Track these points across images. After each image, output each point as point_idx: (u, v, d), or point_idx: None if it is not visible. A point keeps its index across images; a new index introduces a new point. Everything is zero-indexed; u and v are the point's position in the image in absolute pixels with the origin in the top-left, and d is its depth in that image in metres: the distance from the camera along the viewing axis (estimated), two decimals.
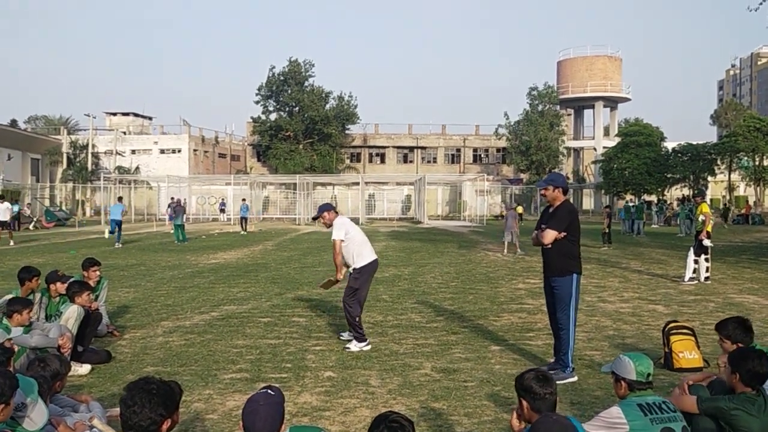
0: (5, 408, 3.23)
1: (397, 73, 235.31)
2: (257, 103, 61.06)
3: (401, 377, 6.14)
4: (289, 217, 47.63)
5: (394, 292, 11.51)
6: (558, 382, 4.14)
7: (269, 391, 2.94)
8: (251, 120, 63.08)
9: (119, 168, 56.28)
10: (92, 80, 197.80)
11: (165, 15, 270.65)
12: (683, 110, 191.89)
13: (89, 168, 55.72)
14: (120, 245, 21.77)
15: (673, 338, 6.53)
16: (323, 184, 52.86)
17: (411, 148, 67.84)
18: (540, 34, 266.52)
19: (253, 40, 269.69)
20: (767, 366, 3.79)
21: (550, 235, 6.13)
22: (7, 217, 24.94)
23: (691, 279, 12.80)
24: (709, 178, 50.18)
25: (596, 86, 60.22)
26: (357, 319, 7.33)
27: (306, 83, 60.76)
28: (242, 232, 30.84)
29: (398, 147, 67.78)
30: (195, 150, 62.99)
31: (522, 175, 61.11)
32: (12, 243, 22.97)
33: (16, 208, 33.51)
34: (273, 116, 61.20)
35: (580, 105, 63.86)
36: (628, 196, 44.45)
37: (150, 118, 74.31)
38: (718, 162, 47.08)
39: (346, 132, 63.78)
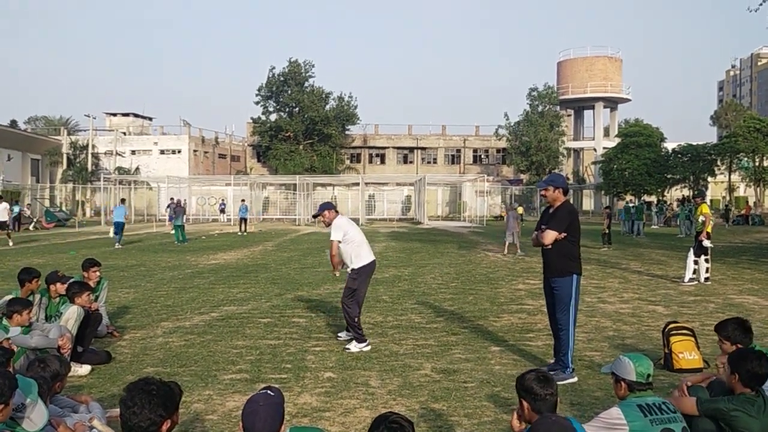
0: (4, 408, 3.23)
1: (397, 73, 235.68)
2: (257, 103, 61.12)
3: (401, 378, 6.14)
4: (289, 218, 47.64)
5: (394, 292, 11.51)
6: (558, 382, 4.14)
7: (269, 391, 2.94)
8: (251, 120, 63.08)
9: (119, 169, 56.30)
10: (92, 80, 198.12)
11: (165, 15, 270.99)
12: (683, 111, 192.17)
13: (89, 169, 55.75)
14: (120, 246, 21.78)
15: (673, 339, 6.53)
16: (323, 185, 52.88)
17: (411, 149, 67.84)
18: (540, 34, 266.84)
19: (253, 40, 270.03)
20: (766, 367, 3.79)
21: (550, 236, 6.13)
22: (5, 218, 24.94)
23: (691, 280, 12.80)
24: (709, 179, 50.20)
25: (596, 87, 60.23)
26: (356, 319, 7.34)
27: (306, 84, 60.77)
28: (239, 233, 30.70)
29: (398, 147, 67.77)
30: (195, 150, 63.01)
31: (522, 176, 61.08)
32: (11, 243, 22.95)
33: (16, 209, 33.58)
34: (273, 117, 61.21)
35: (580, 106, 63.87)
36: (628, 197, 44.44)
37: (150, 119, 74.34)
38: (718, 163, 47.09)
39: (346, 132, 63.77)
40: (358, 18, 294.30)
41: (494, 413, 5.14)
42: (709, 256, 13.18)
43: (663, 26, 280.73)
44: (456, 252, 20.37)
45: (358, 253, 7.51)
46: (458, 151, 67.76)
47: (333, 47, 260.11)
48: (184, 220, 26.99)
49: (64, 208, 47.90)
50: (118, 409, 2.91)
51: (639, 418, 3.49)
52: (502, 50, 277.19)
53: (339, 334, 7.88)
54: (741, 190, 58.41)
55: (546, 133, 55.82)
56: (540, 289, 8.62)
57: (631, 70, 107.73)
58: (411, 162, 67.68)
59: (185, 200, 41.44)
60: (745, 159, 47.30)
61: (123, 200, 29.74)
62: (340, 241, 7.47)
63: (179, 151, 61.62)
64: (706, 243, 13.10)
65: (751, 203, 49.76)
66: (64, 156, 57.22)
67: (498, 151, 66.34)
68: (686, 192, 48.24)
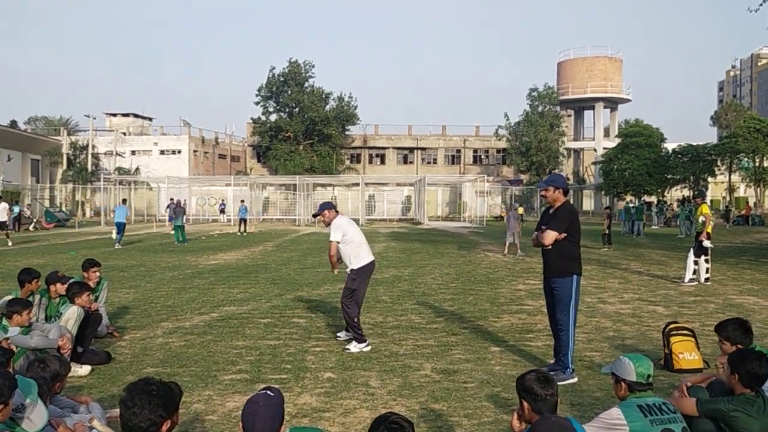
0: (4, 408, 3.23)
1: (397, 73, 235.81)
2: (257, 104, 61.12)
3: (401, 378, 6.13)
4: (289, 218, 47.64)
5: (394, 293, 11.51)
6: (558, 383, 4.13)
7: (269, 392, 2.93)
8: (251, 121, 63.09)
9: (119, 169, 56.31)
10: (92, 80, 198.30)
11: (165, 15, 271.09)
12: (683, 111, 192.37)
13: (89, 169, 55.75)
14: (120, 246, 21.78)
15: (673, 339, 6.53)
16: (323, 185, 52.88)
17: (411, 149, 67.84)
18: (540, 34, 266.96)
19: (253, 40, 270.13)
20: (766, 367, 3.79)
21: (550, 236, 6.13)
22: (5, 218, 24.93)
23: (691, 280, 12.80)
24: (709, 179, 50.21)
25: (596, 87, 60.25)
26: (355, 319, 7.34)
27: (306, 84, 60.78)
28: (238, 234, 30.62)
29: (398, 148, 67.77)
30: (195, 151, 63.01)
31: (522, 176, 61.08)
32: (10, 244, 22.96)
33: (16, 209, 33.57)
34: (273, 117, 61.22)
35: (581, 106, 63.88)
36: (628, 197, 44.46)
37: (150, 119, 74.36)
38: (718, 163, 47.10)
39: (346, 133, 63.78)
40: (358, 18, 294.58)
41: (494, 414, 5.13)
42: (709, 257, 13.18)
43: (663, 26, 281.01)
44: (456, 252, 20.37)
45: (357, 253, 7.51)
46: (458, 151, 67.76)
47: (333, 47, 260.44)
48: (184, 221, 26.98)
49: (64, 209, 47.89)
50: (118, 410, 2.90)
51: (639, 418, 3.49)
52: (502, 50, 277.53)
53: (338, 334, 7.88)
54: (741, 191, 58.43)
55: (546, 133, 55.82)
56: (540, 289, 8.61)
57: (631, 70, 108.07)
58: (411, 162, 67.68)
59: (185, 200, 41.45)
60: (745, 159, 47.31)
61: (124, 200, 29.76)
62: (339, 242, 7.47)
63: (179, 152, 61.62)
64: (706, 243, 13.10)
65: (751, 203, 49.76)
66: (64, 156, 57.22)
67: (498, 151, 66.33)
68: (686, 192, 48.27)
